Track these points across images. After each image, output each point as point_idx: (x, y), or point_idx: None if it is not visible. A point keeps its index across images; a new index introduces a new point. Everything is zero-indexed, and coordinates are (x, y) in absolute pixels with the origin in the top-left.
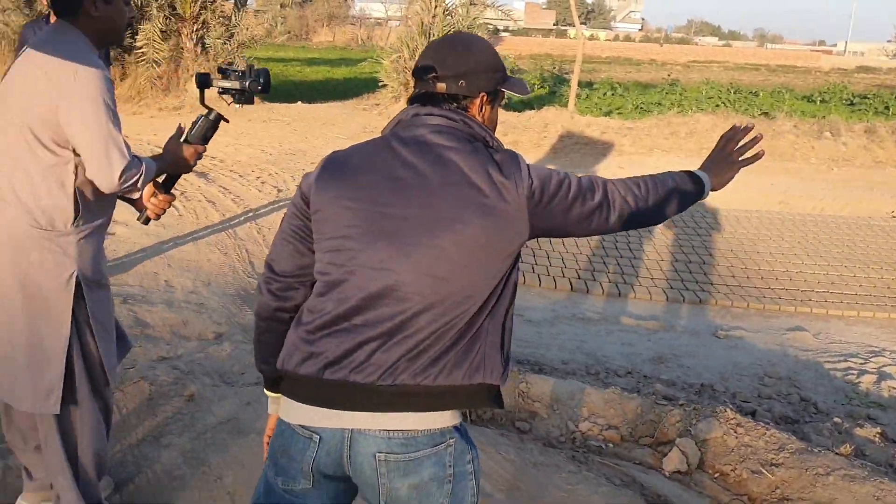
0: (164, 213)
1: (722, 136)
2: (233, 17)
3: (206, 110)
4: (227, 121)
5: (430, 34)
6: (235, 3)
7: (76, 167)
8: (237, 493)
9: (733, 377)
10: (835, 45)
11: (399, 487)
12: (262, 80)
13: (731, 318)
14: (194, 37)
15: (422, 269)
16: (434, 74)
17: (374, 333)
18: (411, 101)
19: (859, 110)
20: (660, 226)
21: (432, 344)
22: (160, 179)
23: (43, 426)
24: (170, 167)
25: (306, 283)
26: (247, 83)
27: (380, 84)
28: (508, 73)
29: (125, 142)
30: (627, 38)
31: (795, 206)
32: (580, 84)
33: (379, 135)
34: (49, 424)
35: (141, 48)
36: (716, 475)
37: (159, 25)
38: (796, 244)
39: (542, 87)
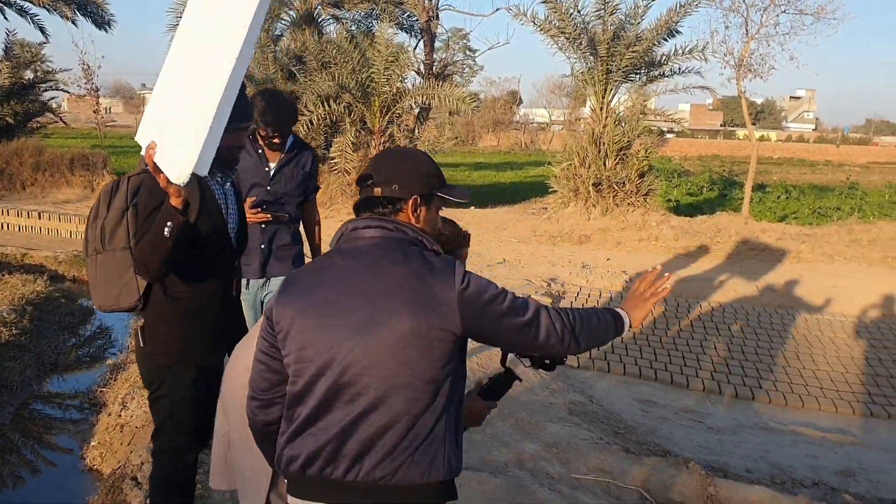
0: None
1: (637, 281)
2: (415, 130)
3: (504, 370)
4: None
5: (600, 143)
6: (418, 117)
7: None
8: None
9: None
10: None
11: None
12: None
13: None
14: (381, 148)
15: (365, 368)
16: (371, 181)
17: (332, 434)
18: (355, 207)
19: None
20: (845, 336)
21: (386, 438)
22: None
23: None
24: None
25: (283, 396)
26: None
27: (550, 189)
28: (449, 183)
29: None
30: (801, 139)
31: None
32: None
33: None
34: None
35: (334, 158)
36: None
37: (351, 138)
38: None
39: (710, 189)
